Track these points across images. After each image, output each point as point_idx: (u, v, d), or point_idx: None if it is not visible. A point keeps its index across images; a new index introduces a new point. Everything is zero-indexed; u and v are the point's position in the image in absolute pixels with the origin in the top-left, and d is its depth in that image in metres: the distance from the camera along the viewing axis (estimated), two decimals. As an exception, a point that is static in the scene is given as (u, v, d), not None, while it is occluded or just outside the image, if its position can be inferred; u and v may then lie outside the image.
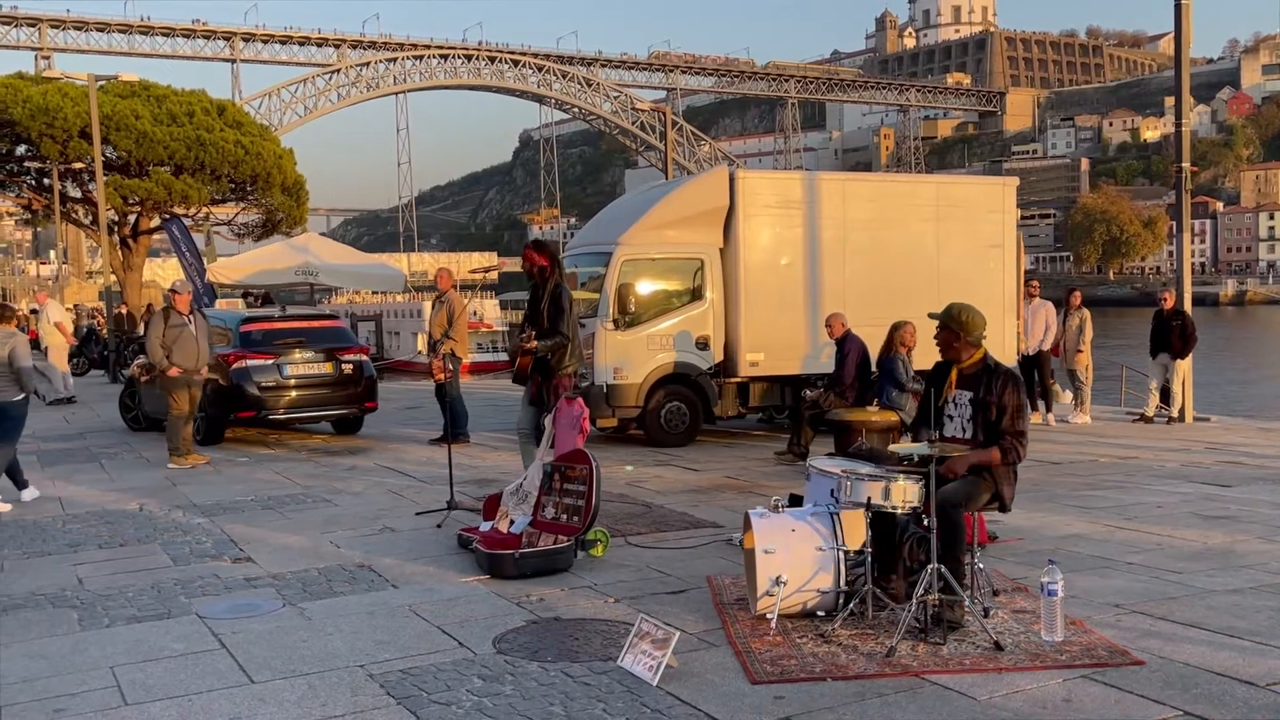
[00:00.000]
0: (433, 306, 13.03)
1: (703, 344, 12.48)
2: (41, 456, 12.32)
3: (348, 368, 13.23)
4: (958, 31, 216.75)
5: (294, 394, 12.86)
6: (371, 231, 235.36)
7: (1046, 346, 14.20)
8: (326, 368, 13.07)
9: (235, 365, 12.67)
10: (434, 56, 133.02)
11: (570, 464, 7.07)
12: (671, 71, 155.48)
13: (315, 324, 13.78)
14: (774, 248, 12.70)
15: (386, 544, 7.53)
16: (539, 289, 8.26)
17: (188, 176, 30.12)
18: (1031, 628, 5.27)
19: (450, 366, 12.01)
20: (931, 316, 5.76)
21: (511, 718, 4.34)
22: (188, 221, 27.62)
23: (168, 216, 26.38)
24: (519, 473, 8.13)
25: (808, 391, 11.67)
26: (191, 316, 11.62)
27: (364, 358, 13.60)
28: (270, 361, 12.77)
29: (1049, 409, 14.22)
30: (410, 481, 10.19)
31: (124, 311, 26.75)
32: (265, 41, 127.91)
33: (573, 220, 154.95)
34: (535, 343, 8.04)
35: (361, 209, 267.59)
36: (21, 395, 9.22)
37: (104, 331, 27.73)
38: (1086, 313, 14.48)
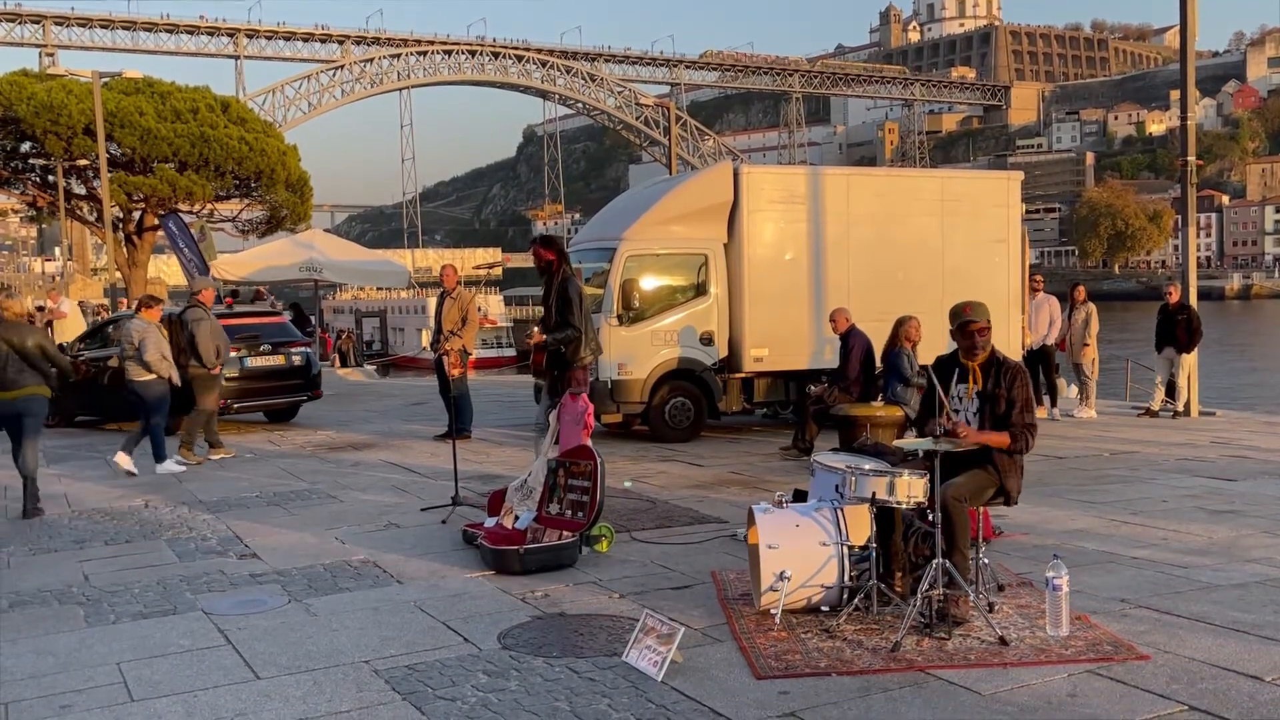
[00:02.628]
0: (437, 303, 13.06)
1: (707, 339, 12.48)
2: (47, 453, 12.33)
3: (297, 359, 14.46)
4: (962, 25, 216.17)
5: (255, 384, 13.99)
6: (375, 228, 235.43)
7: (1051, 341, 14.19)
8: (279, 360, 14.24)
9: None
10: (438, 52, 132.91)
11: (575, 460, 7.07)
12: (675, 66, 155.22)
13: (264, 320, 15.01)
14: (778, 243, 12.69)
15: (391, 540, 7.55)
16: (551, 282, 8.29)
17: (192, 173, 30.08)
18: (1036, 623, 5.27)
19: (460, 362, 12.08)
20: (963, 312, 5.59)
21: (516, 713, 4.35)
22: (190, 219, 27.60)
23: (163, 213, 26.29)
24: (524, 468, 8.15)
25: (812, 387, 11.66)
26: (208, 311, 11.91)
27: (308, 350, 14.87)
28: (233, 355, 13.34)
29: (1054, 404, 14.20)
30: (415, 477, 10.21)
31: (261, 294, 24.54)
32: (269, 38, 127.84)
33: (577, 216, 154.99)
34: (541, 337, 8.09)
35: (365, 205, 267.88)
36: (152, 376, 10.67)
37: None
38: (1092, 307, 14.47)
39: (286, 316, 20.92)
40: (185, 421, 11.58)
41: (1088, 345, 14.29)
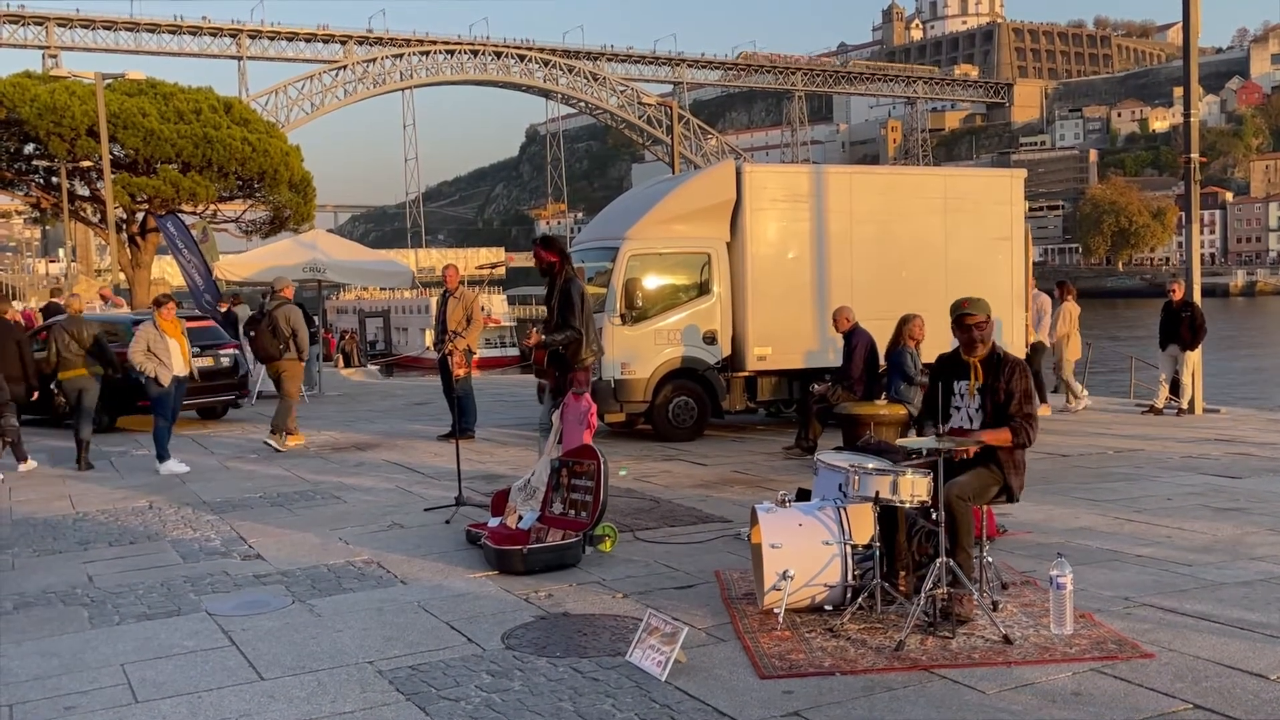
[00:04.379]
0: (439, 302, 13.08)
1: (710, 338, 12.48)
2: (51, 455, 12.36)
3: (225, 360, 15.28)
4: (965, 23, 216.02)
5: (190, 384, 14.32)
6: (379, 228, 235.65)
7: (1038, 337, 14.28)
8: (209, 361, 14.79)
9: None
10: (440, 52, 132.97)
11: (578, 459, 7.07)
12: (678, 65, 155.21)
13: (194, 324, 15.27)
14: (781, 241, 12.68)
15: (395, 540, 7.55)
16: (553, 284, 8.29)
17: (195, 174, 30.14)
18: (1040, 621, 5.26)
19: (464, 362, 12.12)
20: (961, 309, 5.59)
21: (520, 714, 4.34)
22: (193, 219, 27.61)
23: (161, 214, 26.31)
24: (527, 468, 8.15)
25: (815, 385, 11.66)
26: None
27: (235, 352, 15.65)
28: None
29: (1043, 399, 14.19)
30: (418, 477, 10.21)
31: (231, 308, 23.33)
32: (271, 38, 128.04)
33: (580, 215, 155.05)
34: (539, 337, 8.10)
35: (369, 205, 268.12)
36: (149, 376, 10.88)
37: None
38: (1063, 306, 14.62)
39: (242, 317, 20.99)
40: (278, 407, 12.42)
41: (1051, 344, 14.46)
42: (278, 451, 11.94)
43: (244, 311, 18.34)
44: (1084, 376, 20.02)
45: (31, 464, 11.24)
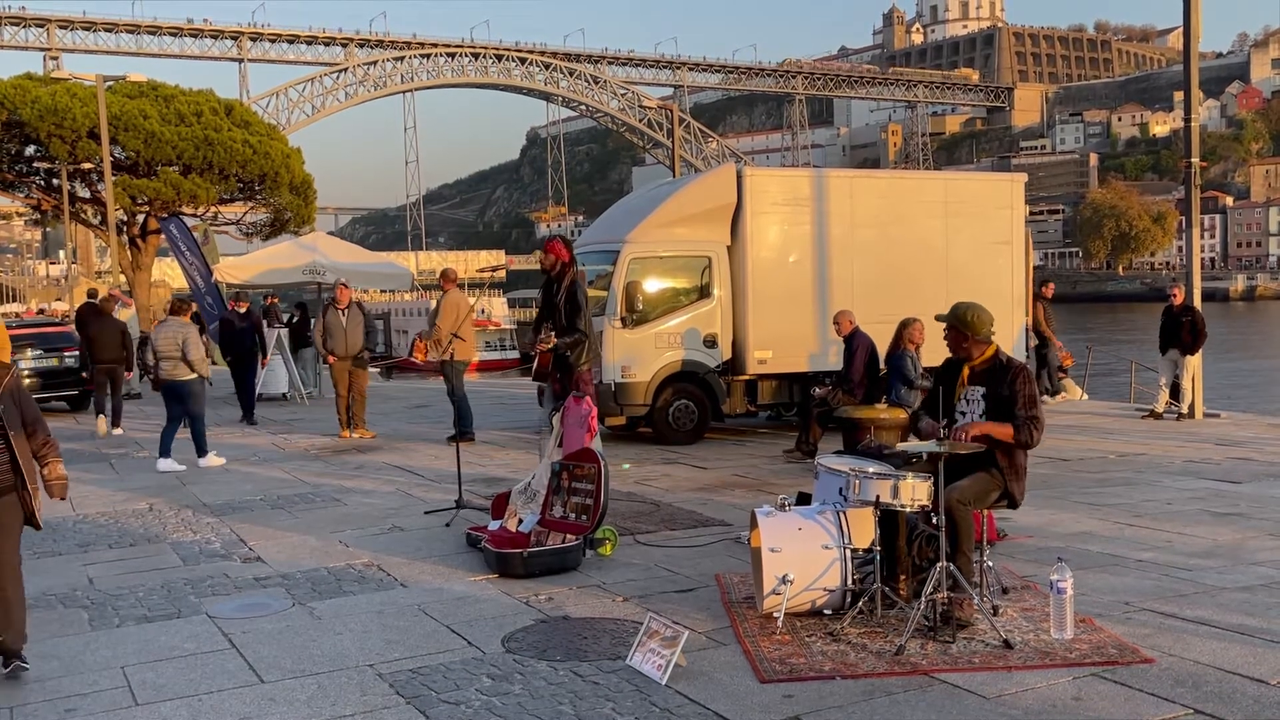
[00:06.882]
0: (438, 305, 13.10)
1: (710, 342, 12.48)
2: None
3: (70, 360, 17.51)
4: (965, 27, 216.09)
5: (31, 380, 16.39)
6: (379, 230, 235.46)
7: None
8: (54, 361, 17.58)
9: None
10: (441, 55, 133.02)
11: (578, 462, 7.07)
12: (679, 68, 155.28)
13: (44, 330, 18.46)
14: (782, 245, 12.69)
15: (395, 543, 7.55)
16: (554, 285, 8.27)
17: (196, 176, 30.11)
18: (1041, 625, 5.26)
19: (446, 358, 12.13)
20: (939, 319, 5.75)
21: (520, 717, 4.35)
22: (194, 221, 27.60)
23: (164, 216, 26.27)
24: (527, 471, 8.15)
25: (816, 389, 11.66)
26: (347, 310, 13.35)
27: (77, 353, 17.19)
28: (13, 359, 14.89)
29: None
30: (419, 480, 10.21)
31: (274, 303, 22.12)
32: (273, 41, 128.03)
33: (580, 218, 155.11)
34: (554, 340, 8.08)
35: (369, 208, 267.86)
36: (194, 376, 11.22)
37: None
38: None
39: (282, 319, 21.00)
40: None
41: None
42: (369, 438, 13.25)
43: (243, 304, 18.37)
44: (1083, 380, 20.06)
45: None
